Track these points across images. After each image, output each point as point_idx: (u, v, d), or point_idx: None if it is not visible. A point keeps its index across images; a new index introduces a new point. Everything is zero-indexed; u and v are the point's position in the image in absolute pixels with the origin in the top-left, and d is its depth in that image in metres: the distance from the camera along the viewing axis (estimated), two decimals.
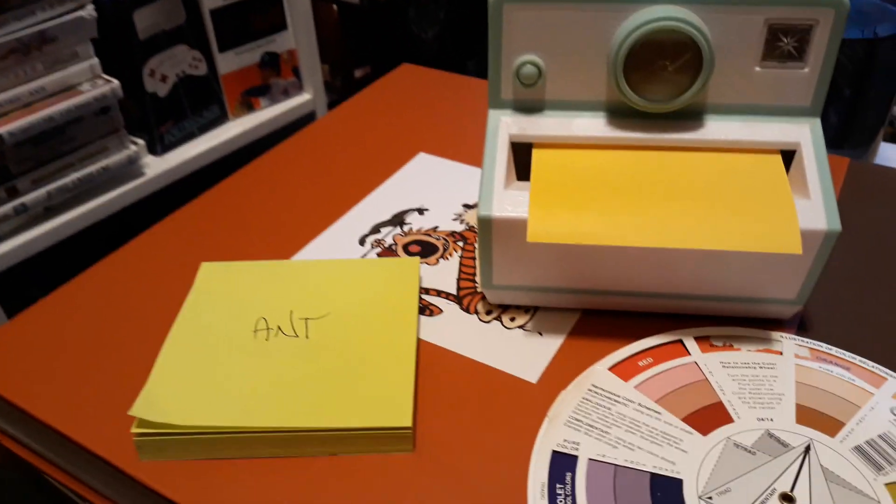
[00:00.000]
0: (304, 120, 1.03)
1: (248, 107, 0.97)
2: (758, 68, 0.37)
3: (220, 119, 0.95)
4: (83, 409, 0.37)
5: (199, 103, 0.91)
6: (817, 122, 0.38)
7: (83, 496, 0.37)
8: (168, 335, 0.39)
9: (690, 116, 0.38)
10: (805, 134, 0.38)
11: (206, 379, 0.36)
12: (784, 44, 0.36)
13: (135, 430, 0.34)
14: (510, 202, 0.37)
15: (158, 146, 0.89)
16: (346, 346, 0.38)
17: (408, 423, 0.34)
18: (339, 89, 1.33)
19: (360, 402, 0.35)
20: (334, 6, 1.26)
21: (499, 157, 0.38)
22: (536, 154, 0.38)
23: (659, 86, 0.37)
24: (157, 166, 0.87)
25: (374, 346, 0.38)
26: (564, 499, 0.32)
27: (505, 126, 0.39)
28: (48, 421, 0.36)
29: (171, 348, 0.38)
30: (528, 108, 0.39)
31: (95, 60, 0.77)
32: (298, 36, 0.99)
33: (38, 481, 0.40)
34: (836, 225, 0.35)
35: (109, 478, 0.36)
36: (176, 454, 0.34)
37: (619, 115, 0.39)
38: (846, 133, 0.61)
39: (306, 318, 0.39)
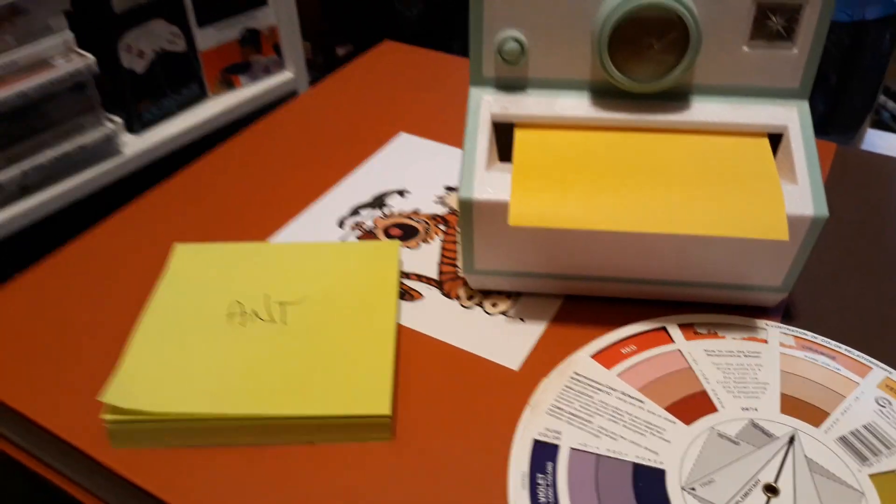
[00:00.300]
0: (285, 98, 1.01)
1: (228, 85, 0.96)
2: (746, 48, 0.36)
3: (200, 97, 0.93)
4: (53, 395, 0.36)
5: (177, 81, 0.89)
6: (805, 104, 0.37)
7: (56, 484, 0.37)
8: (140, 319, 0.38)
9: (676, 97, 0.37)
10: (793, 117, 0.37)
11: (178, 364, 0.35)
12: (773, 23, 0.35)
13: (106, 416, 0.33)
14: (492, 184, 0.36)
15: (136, 124, 0.87)
16: (323, 331, 0.37)
17: (386, 410, 0.33)
18: (321, 67, 1.31)
19: (338, 390, 0.34)
20: None
21: (480, 136, 0.37)
22: (519, 134, 0.37)
23: (644, 65, 0.36)
24: (135, 145, 0.85)
25: (353, 331, 0.37)
26: (545, 489, 0.31)
27: (486, 104, 0.38)
28: (17, 407, 0.35)
29: (143, 333, 0.37)
30: (511, 85, 0.38)
31: (69, 34, 0.75)
32: (279, 12, 0.97)
33: (13, 467, 0.39)
34: (824, 211, 0.35)
35: (81, 466, 0.35)
36: (149, 442, 0.33)
37: (604, 95, 0.38)
38: (832, 119, 0.60)
39: (283, 303, 0.38)
